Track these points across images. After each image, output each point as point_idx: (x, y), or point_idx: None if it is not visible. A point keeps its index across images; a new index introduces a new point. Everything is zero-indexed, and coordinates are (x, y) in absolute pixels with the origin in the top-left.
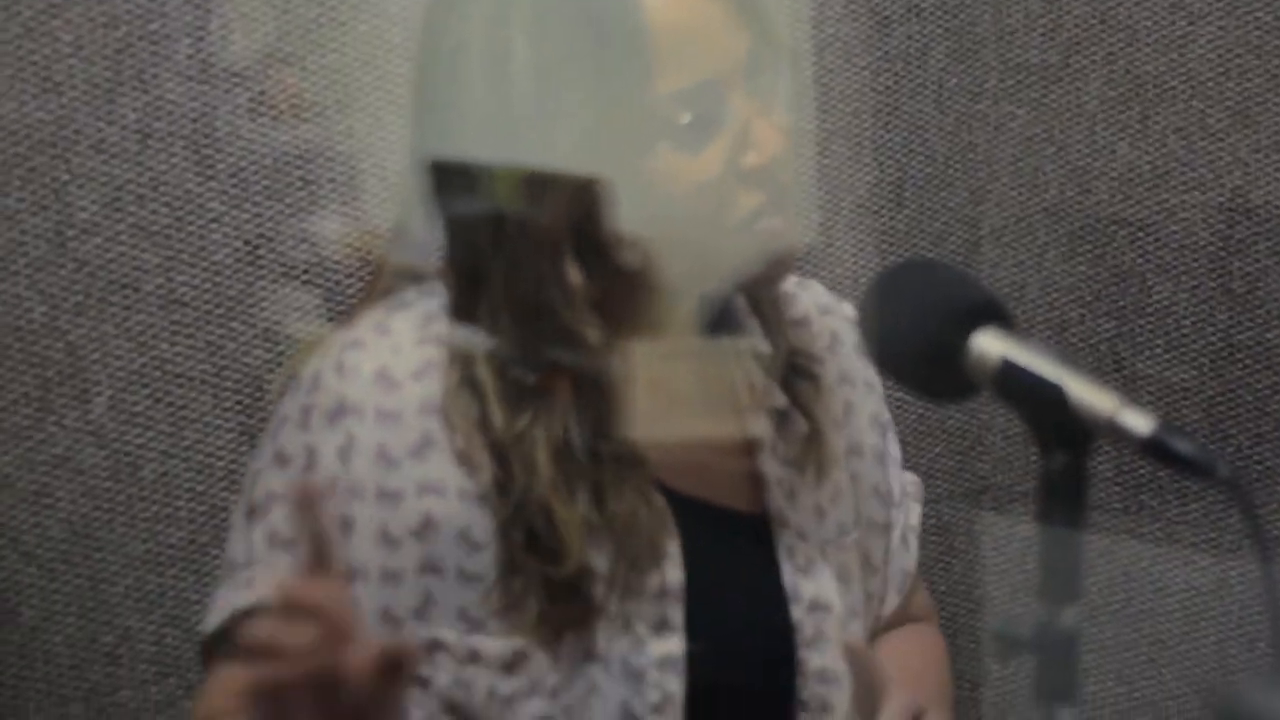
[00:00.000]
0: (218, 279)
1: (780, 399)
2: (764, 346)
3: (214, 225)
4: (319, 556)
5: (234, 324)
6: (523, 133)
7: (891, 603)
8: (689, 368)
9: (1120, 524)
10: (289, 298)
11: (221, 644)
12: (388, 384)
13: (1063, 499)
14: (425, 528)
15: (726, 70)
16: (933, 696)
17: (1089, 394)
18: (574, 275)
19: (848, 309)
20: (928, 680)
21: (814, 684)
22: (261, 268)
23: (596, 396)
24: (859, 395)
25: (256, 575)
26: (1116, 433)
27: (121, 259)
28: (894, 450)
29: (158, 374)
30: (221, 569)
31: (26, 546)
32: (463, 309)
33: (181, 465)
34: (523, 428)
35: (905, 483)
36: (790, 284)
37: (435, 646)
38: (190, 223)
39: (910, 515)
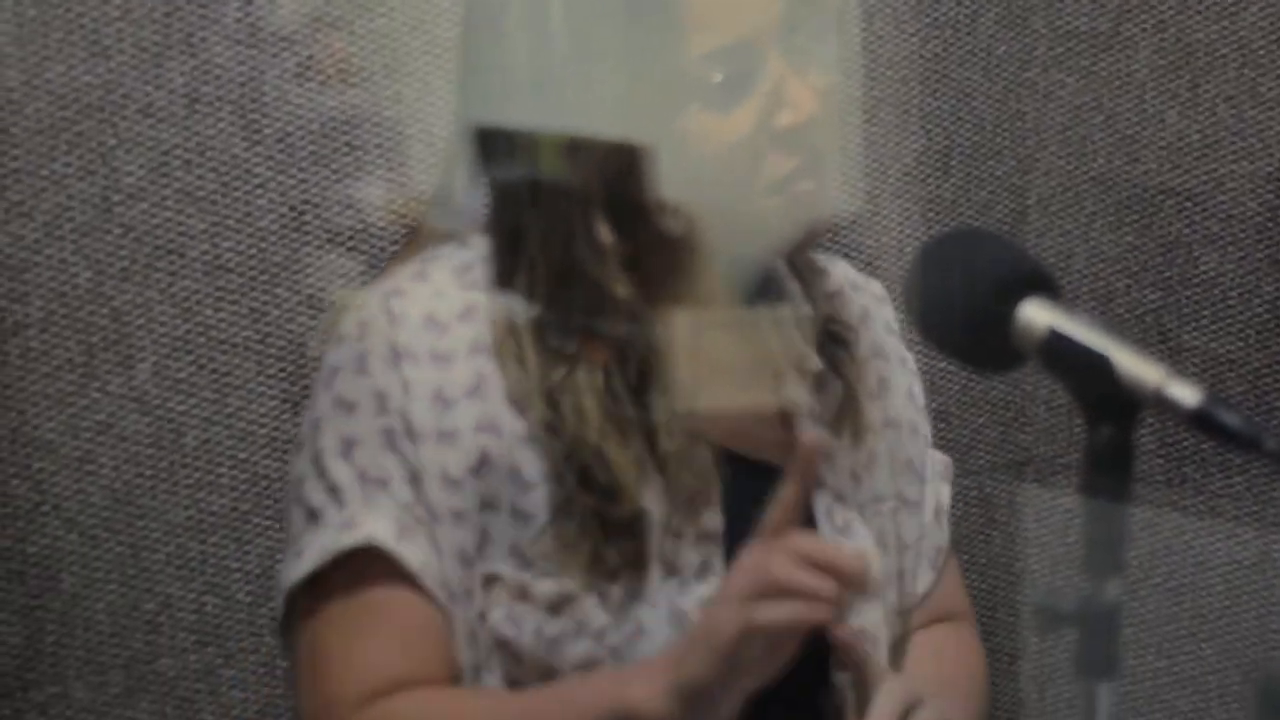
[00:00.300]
0: (263, 245)
1: (816, 363)
2: (805, 310)
3: (260, 191)
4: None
5: (278, 290)
6: (559, 94)
7: (925, 579)
8: (728, 335)
9: (1163, 496)
10: (334, 264)
11: (321, 589)
12: (437, 327)
13: (1108, 471)
14: (482, 465)
15: (761, 29)
16: (957, 699)
17: (1136, 365)
18: (604, 234)
19: (876, 287)
20: (957, 684)
21: None
22: (307, 234)
23: (635, 360)
24: (893, 370)
25: (356, 514)
26: (1163, 404)
27: (167, 224)
28: (925, 429)
29: (202, 340)
30: (295, 521)
31: (68, 513)
32: (502, 272)
33: (224, 432)
34: (563, 382)
35: (936, 461)
36: (821, 260)
37: (492, 580)
38: (236, 188)
39: (942, 495)
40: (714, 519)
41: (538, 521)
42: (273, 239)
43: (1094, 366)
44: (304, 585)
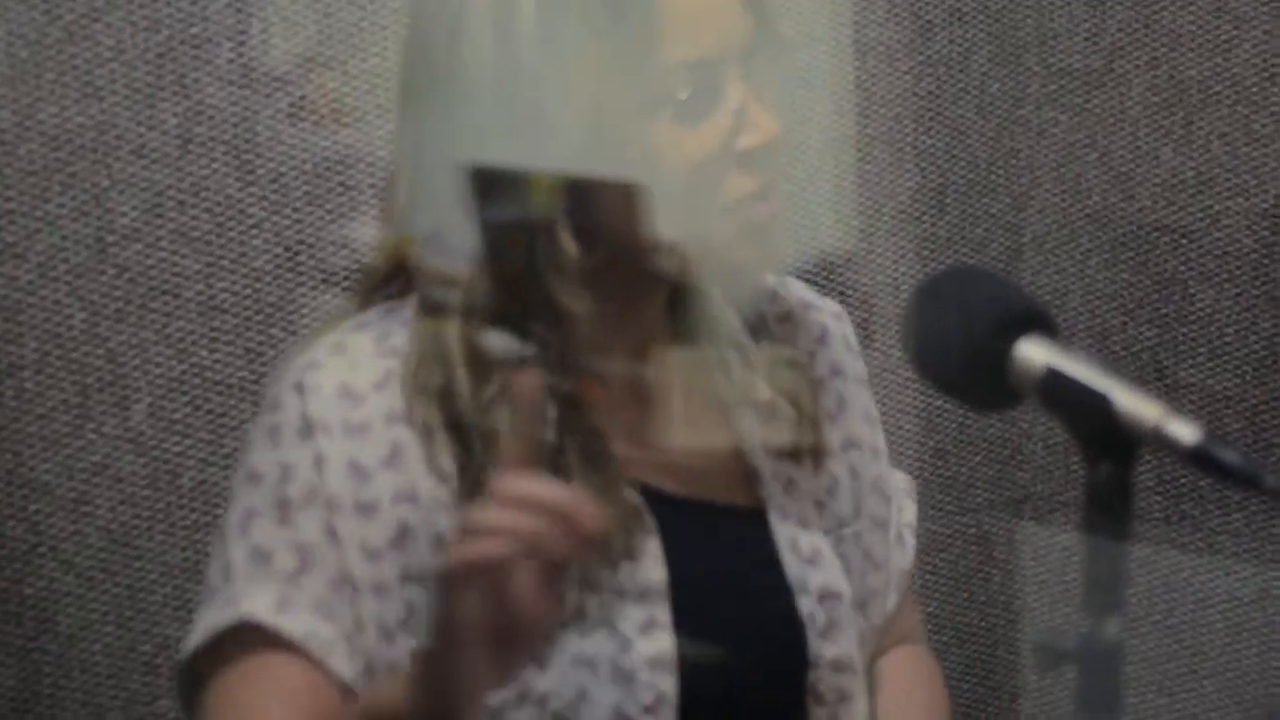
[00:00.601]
0: (257, 285)
1: (765, 392)
2: (747, 342)
3: (254, 231)
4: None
5: (273, 330)
6: (526, 100)
7: (891, 601)
8: (668, 366)
9: (1161, 533)
10: (328, 304)
11: (207, 664)
12: (351, 398)
13: (1107, 509)
14: (402, 536)
15: (728, 51)
16: None
17: (1134, 403)
18: (569, 246)
19: (833, 305)
20: (933, 713)
21: (830, 675)
22: (301, 274)
23: (565, 388)
24: (850, 389)
25: (238, 591)
26: (1162, 442)
27: (162, 265)
28: (884, 447)
29: (197, 381)
30: (201, 594)
31: (65, 555)
32: (439, 287)
33: (220, 473)
34: (488, 399)
35: (898, 480)
36: (770, 281)
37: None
38: (230, 229)
39: (905, 512)
40: (654, 571)
41: None
42: (267, 279)
43: (1093, 404)
44: (193, 661)
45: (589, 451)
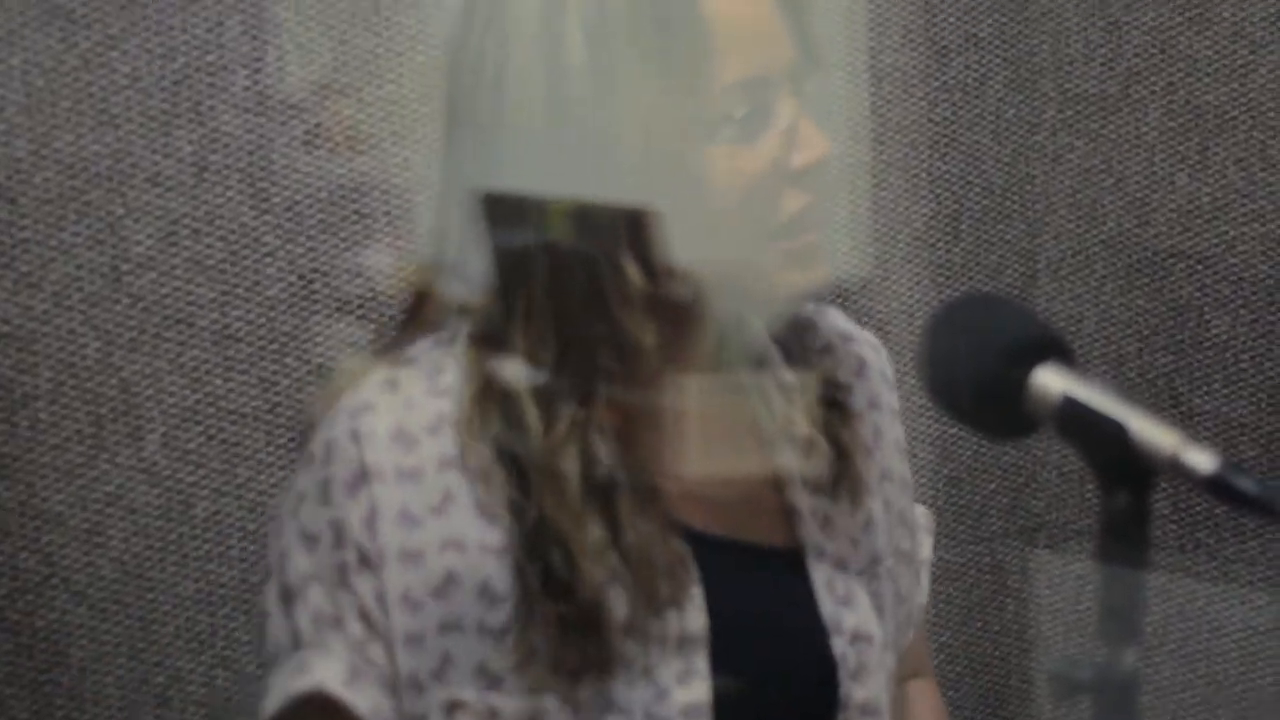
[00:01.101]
0: (272, 314)
1: (805, 428)
2: (787, 375)
3: (269, 259)
4: None
5: (288, 360)
6: (578, 128)
7: (908, 636)
8: (711, 401)
9: (1176, 561)
10: (343, 333)
11: None
12: (406, 442)
13: (1124, 538)
14: (446, 584)
15: (777, 69)
16: None
17: (1151, 431)
18: (634, 274)
19: (870, 336)
20: None
21: (857, 717)
22: (316, 302)
23: (621, 424)
24: (886, 421)
25: (308, 658)
26: (1179, 470)
27: (176, 294)
28: (909, 477)
29: (211, 411)
30: (266, 653)
31: (77, 586)
32: (495, 330)
33: (234, 503)
34: (560, 439)
35: (919, 513)
36: (808, 311)
37: (455, 707)
38: (245, 257)
39: (924, 548)
40: (696, 620)
41: (508, 636)
42: (282, 308)
43: (1109, 433)
44: None
45: (641, 496)
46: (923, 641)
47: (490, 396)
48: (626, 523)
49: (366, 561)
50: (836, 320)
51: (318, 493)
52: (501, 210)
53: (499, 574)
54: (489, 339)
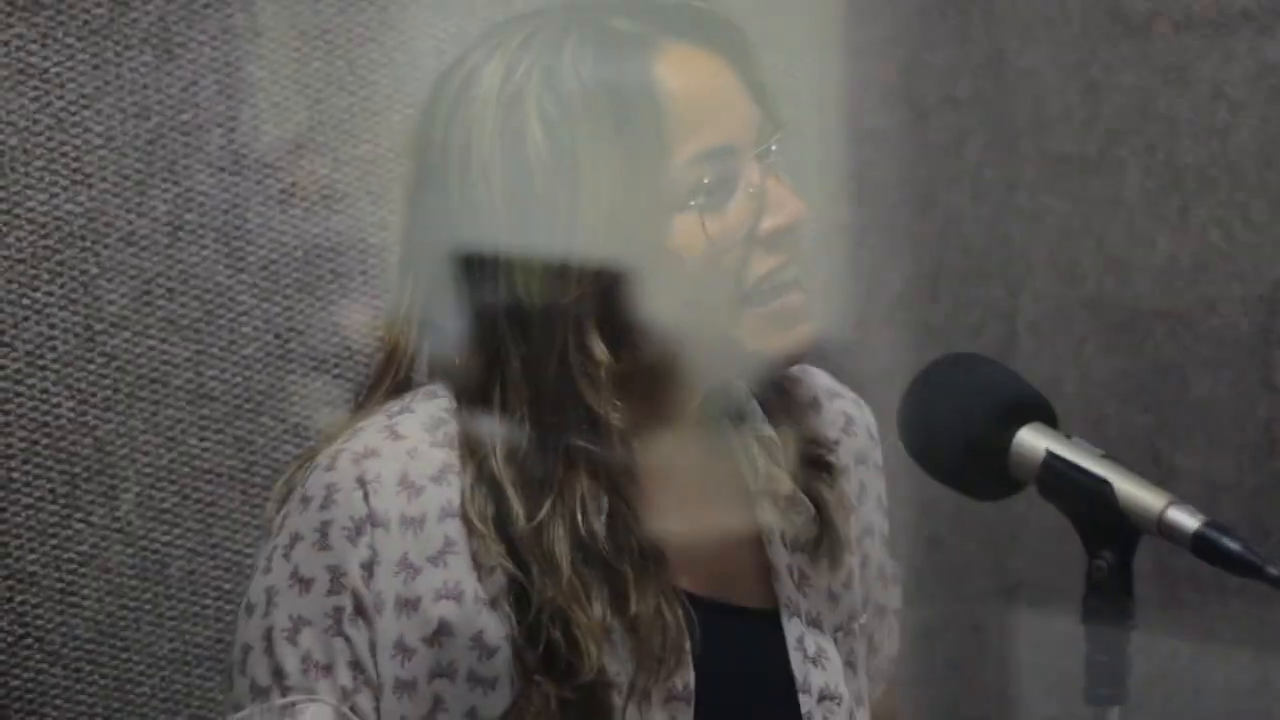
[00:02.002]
0: (247, 373)
1: (787, 485)
2: (769, 432)
3: (244, 318)
4: None
5: (263, 418)
6: (542, 215)
7: (879, 689)
8: (694, 460)
9: (1159, 620)
10: (319, 391)
11: None
12: (410, 489)
13: (1109, 597)
14: (440, 633)
15: (740, 136)
16: None
17: (1136, 491)
18: (600, 353)
19: (852, 394)
20: None
21: None
22: (291, 361)
23: (613, 489)
24: (871, 476)
25: (298, 704)
26: (1164, 530)
27: (150, 353)
28: (888, 532)
29: (186, 470)
30: (236, 690)
31: (52, 646)
32: (478, 400)
33: (209, 563)
34: (543, 518)
35: (888, 566)
36: (794, 371)
37: None
38: (220, 316)
39: (894, 599)
40: (684, 678)
41: (499, 687)
42: (257, 366)
43: (1094, 493)
44: None
45: (645, 563)
46: (892, 694)
47: (483, 476)
48: (631, 592)
49: (362, 610)
50: (822, 379)
51: (315, 536)
52: (470, 280)
53: (492, 626)
54: (468, 409)
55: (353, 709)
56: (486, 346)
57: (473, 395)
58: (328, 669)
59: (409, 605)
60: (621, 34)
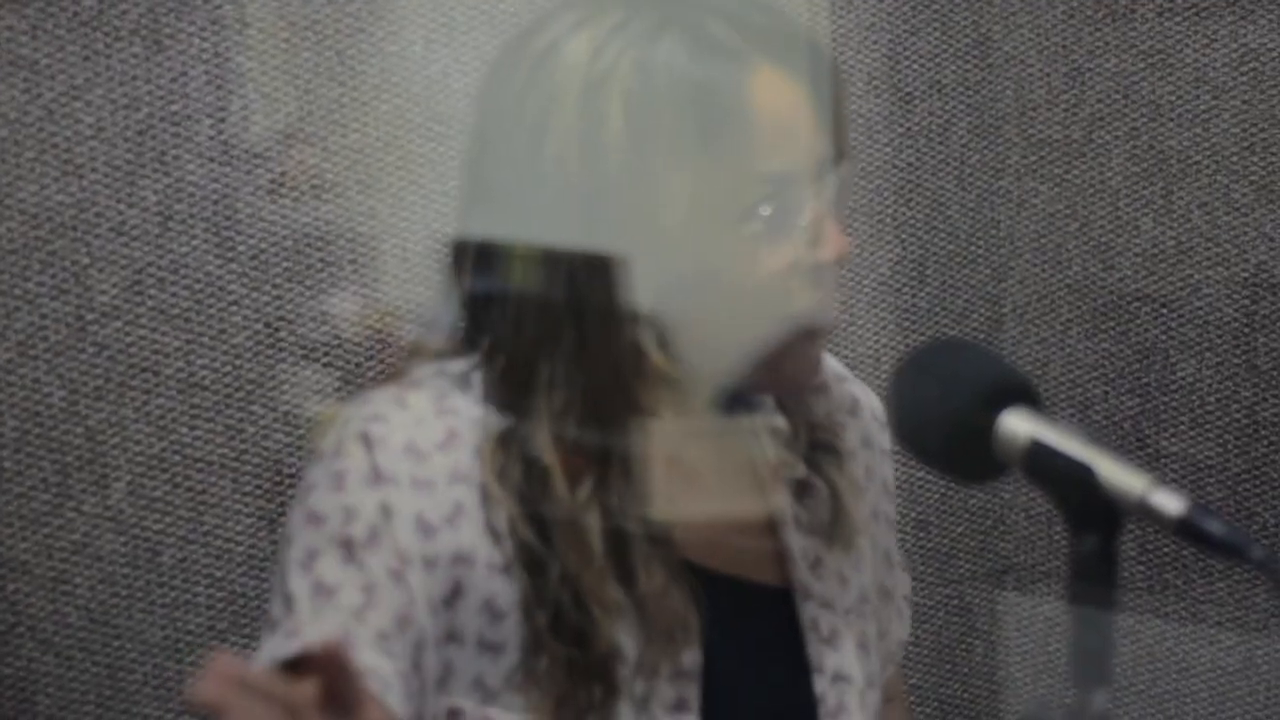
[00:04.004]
0: (237, 361)
1: (800, 469)
2: (779, 421)
3: (234, 307)
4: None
5: (254, 407)
6: (612, 204)
7: (888, 672)
8: (707, 446)
9: (1144, 603)
10: (309, 380)
11: None
12: (417, 455)
13: (1093, 580)
14: (454, 596)
15: (808, 165)
16: None
17: (1119, 474)
18: (655, 354)
19: (860, 382)
20: None
21: None
22: (282, 350)
23: (627, 473)
24: (877, 460)
25: (300, 625)
26: (1148, 513)
27: (141, 343)
28: (894, 516)
29: (177, 458)
30: (263, 627)
31: (44, 634)
32: (514, 387)
33: (201, 551)
34: (584, 499)
35: (896, 551)
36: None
37: (455, 715)
38: (210, 305)
39: (903, 584)
40: (693, 655)
41: (506, 654)
42: (247, 355)
43: (1078, 476)
44: None
45: (655, 546)
46: (899, 676)
47: (510, 449)
48: (641, 572)
49: (378, 541)
50: (829, 363)
51: (330, 481)
52: (523, 266)
53: (503, 592)
54: (507, 393)
55: (362, 623)
56: (537, 330)
57: (517, 378)
58: (332, 593)
59: (431, 564)
60: (718, 42)
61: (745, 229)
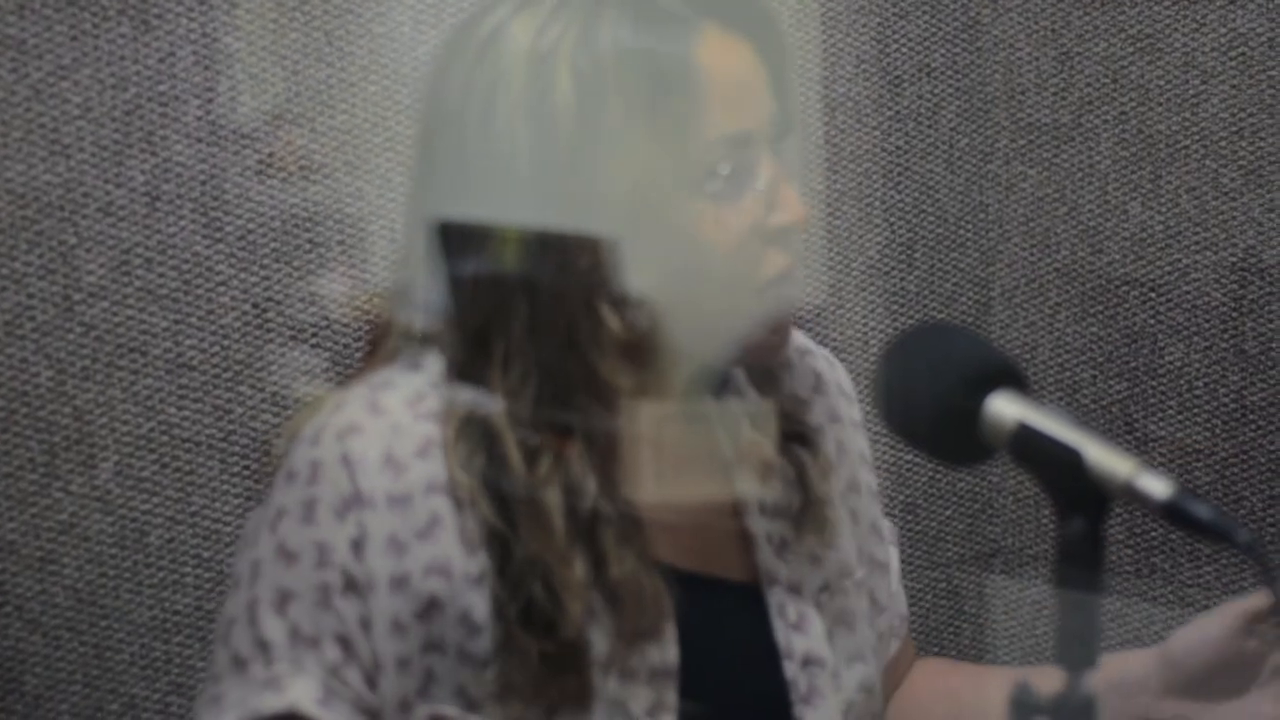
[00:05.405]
0: (225, 342)
1: (767, 452)
2: (754, 404)
3: (222, 288)
4: None
5: (241, 388)
6: (563, 178)
7: (894, 647)
8: (673, 429)
9: (1132, 587)
10: (297, 360)
11: None
12: (395, 467)
13: (1080, 563)
14: (430, 608)
15: (760, 125)
16: None
17: (1106, 457)
18: (613, 322)
19: (824, 351)
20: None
21: None
22: (269, 330)
23: (603, 455)
24: (848, 433)
25: (281, 675)
26: (1134, 497)
27: (129, 323)
28: (876, 487)
29: (164, 439)
30: (219, 662)
31: (31, 614)
32: (471, 366)
33: (188, 531)
34: (542, 476)
35: (887, 527)
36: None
37: None
38: (198, 286)
39: (893, 557)
40: (668, 654)
41: (487, 666)
42: (235, 336)
43: (1065, 459)
44: None
45: (625, 530)
46: (909, 651)
47: (472, 431)
48: (611, 557)
49: (353, 586)
50: (795, 337)
51: (300, 511)
52: (477, 243)
53: (479, 605)
54: (463, 372)
55: (341, 682)
56: (491, 309)
57: (472, 356)
58: (314, 642)
59: (400, 583)
60: (661, 8)
61: (707, 188)
